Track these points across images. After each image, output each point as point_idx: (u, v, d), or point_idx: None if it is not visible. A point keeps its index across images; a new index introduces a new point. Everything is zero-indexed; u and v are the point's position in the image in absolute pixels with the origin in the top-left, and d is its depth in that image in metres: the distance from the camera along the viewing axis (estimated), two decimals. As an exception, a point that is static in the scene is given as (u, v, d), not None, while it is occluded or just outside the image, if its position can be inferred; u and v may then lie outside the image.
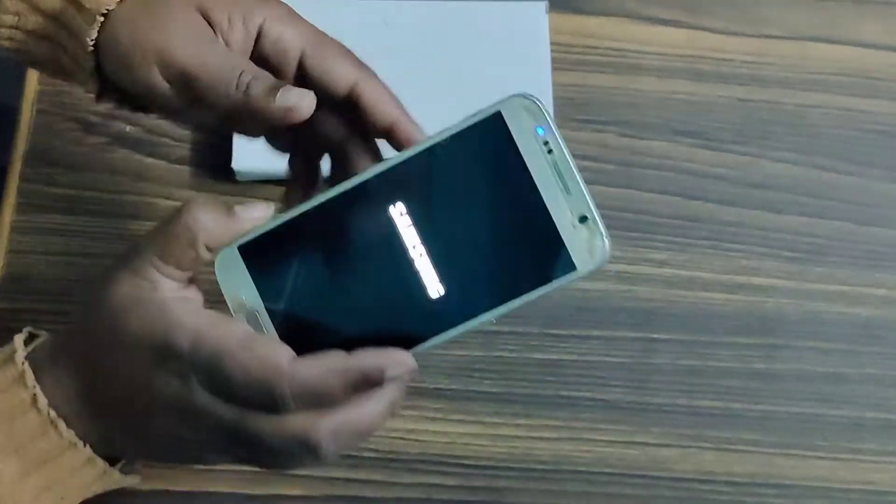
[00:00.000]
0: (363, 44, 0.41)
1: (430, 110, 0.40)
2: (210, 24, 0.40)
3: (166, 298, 0.36)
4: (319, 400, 0.34)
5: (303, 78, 0.40)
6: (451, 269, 0.36)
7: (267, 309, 0.37)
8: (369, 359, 0.35)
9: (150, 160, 0.56)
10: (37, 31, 0.43)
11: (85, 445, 0.37)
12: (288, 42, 0.39)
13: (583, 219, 0.35)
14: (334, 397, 0.35)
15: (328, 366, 0.34)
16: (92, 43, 0.40)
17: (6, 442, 0.37)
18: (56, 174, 0.56)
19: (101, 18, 0.40)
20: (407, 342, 0.36)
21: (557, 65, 0.58)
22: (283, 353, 0.35)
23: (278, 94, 0.37)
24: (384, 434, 0.52)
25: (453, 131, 0.36)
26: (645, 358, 0.54)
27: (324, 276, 0.37)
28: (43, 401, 0.37)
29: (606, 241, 0.35)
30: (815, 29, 0.60)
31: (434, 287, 0.36)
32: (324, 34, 0.40)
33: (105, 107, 0.56)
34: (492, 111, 0.35)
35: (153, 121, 0.56)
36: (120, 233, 0.55)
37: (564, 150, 0.35)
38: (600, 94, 0.58)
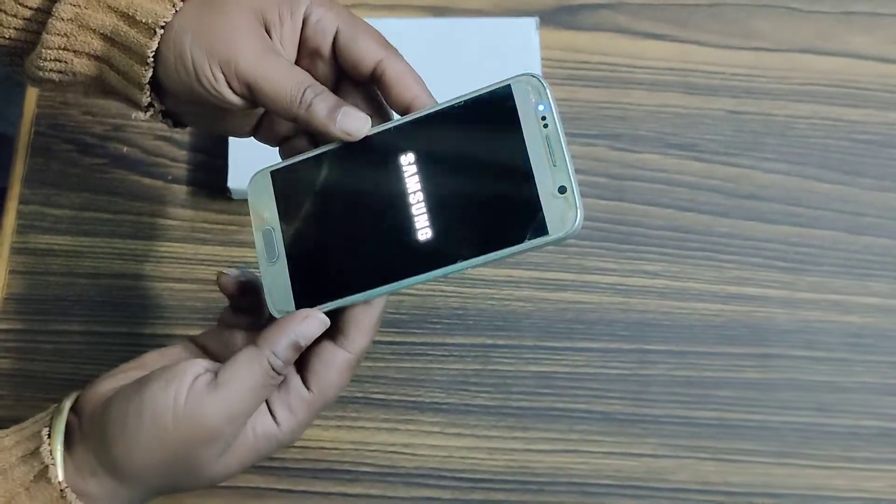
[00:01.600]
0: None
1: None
2: (265, 25, 0.42)
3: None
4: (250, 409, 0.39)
5: (337, 53, 0.42)
6: (441, 218, 0.40)
7: (282, 228, 0.42)
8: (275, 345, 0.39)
9: (146, 180, 0.57)
10: (86, 51, 0.43)
11: None
12: (326, 23, 0.42)
13: (562, 189, 0.38)
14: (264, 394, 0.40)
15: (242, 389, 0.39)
16: (151, 57, 0.41)
17: None
18: (54, 195, 0.56)
19: (161, 31, 0.41)
20: (391, 277, 0.41)
21: (549, 79, 0.58)
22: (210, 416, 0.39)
23: (339, 117, 0.40)
24: (381, 448, 0.53)
25: (467, 97, 0.40)
26: (640, 369, 0.55)
27: (334, 208, 0.42)
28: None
29: (580, 213, 0.38)
30: (803, 41, 0.60)
31: (423, 231, 0.40)
32: (356, 16, 0.43)
33: (102, 128, 0.57)
34: (504, 84, 0.39)
35: (150, 142, 0.57)
36: (118, 252, 0.56)
37: (559, 128, 0.39)
38: (592, 107, 0.59)
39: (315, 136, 0.42)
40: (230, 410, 0.38)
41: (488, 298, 0.56)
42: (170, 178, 0.57)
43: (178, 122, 0.46)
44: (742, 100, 0.59)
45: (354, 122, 0.40)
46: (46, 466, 0.38)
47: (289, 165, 0.43)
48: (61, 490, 0.38)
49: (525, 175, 0.39)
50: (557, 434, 0.53)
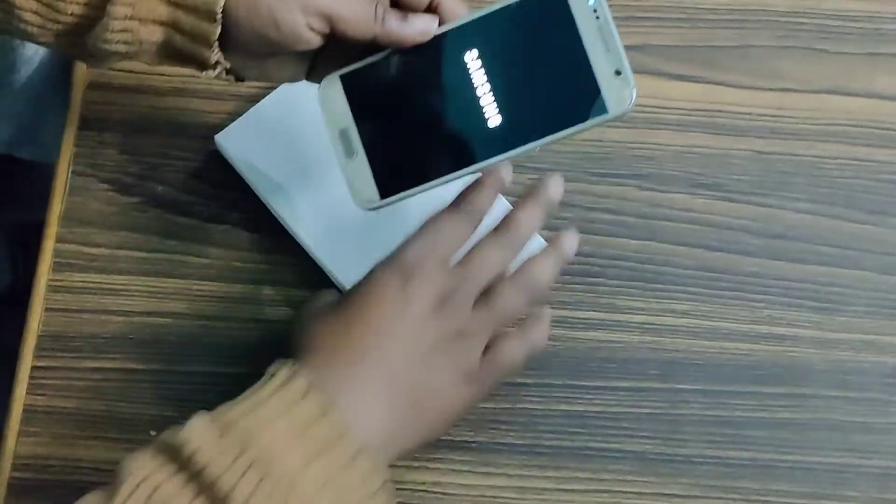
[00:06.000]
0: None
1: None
2: None
3: None
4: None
5: None
6: (509, 105, 0.45)
7: (357, 126, 0.47)
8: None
9: (181, 219, 0.57)
10: (151, 18, 0.44)
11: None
12: None
13: (617, 73, 0.44)
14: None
15: None
16: (220, 14, 0.43)
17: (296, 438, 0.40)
18: (91, 234, 0.57)
19: None
20: (466, 161, 0.46)
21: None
22: None
23: (408, 23, 0.45)
24: (410, 487, 0.53)
25: None
26: (672, 409, 0.55)
27: (406, 103, 0.47)
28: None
29: (634, 91, 0.44)
30: (829, 81, 0.61)
31: (493, 117, 0.45)
32: None
33: (139, 168, 0.58)
34: None
35: (184, 181, 0.58)
36: (153, 290, 0.56)
37: (609, 18, 0.44)
38: (620, 148, 0.59)
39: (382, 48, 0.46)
40: None
41: (519, 337, 0.56)
42: (204, 216, 0.58)
43: (238, 77, 0.48)
44: (769, 140, 0.60)
45: (422, 24, 0.45)
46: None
47: (357, 69, 0.47)
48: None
49: (582, 61, 0.44)
50: (590, 474, 0.53)
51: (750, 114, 0.60)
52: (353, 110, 0.47)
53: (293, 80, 0.50)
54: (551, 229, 0.56)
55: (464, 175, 0.46)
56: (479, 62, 0.45)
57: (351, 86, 0.47)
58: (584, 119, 0.44)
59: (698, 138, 0.60)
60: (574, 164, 0.58)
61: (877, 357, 0.56)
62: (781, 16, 0.61)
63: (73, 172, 0.58)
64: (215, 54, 0.45)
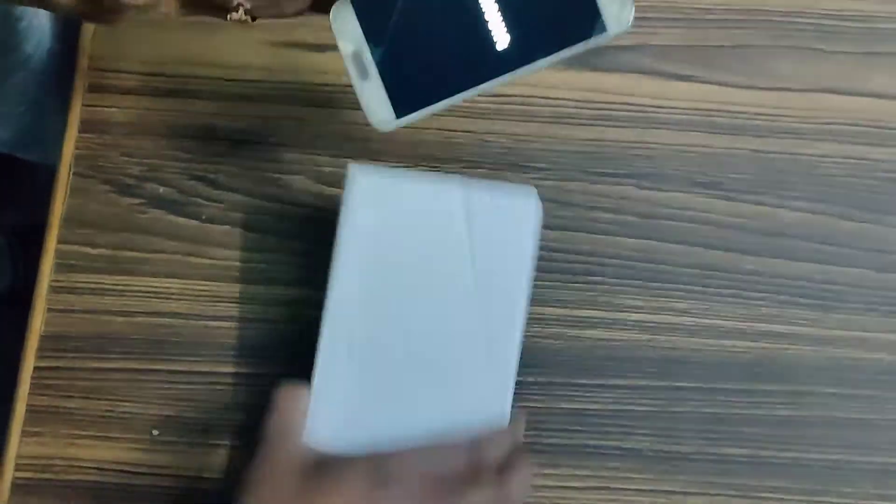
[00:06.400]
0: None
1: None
2: None
3: None
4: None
5: None
6: (514, 25, 0.47)
7: (370, 48, 0.48)
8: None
9: (182, 220, 0.58)
10: None
11: None
12: None
13: None
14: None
15: None
16: None
17: None
18: (92, 235, 0.57)
19: None
20: (476, 79, 0.48)
21: (576, 120, 0.59)
22: None
23: None
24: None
25: None
26: (670, 406, 0.55)
27: (416, 25, 0.48)
28: None
29: (632, 9, 0.46)
30: (826, 81, 0.61)
31: (500, 36, 0.47)
32: None
33: (140, 169, 0.58)
34: None
35: (186, 182, 0.58)
36: (155, 291, 0.57)
37: None
38: (618, 147, 0.60)
39: None
40: None
41: (518, 336, 0.56)
42: (204, 217, 0.58)
43: (252, 17, 0.48)
44: (766, 139, 0.60)
45: None
46: None
47: None
48: None
49: None
50: (589, 471, 0.53)
51: (747, 113, 0.60)
52: (364, 32, 0.48)
53: (298, 14, 0.49)
54: (552, 229, 0.56)
55: (474, 94, 0.48)
56: None
57: (362, 7, 0.48)
58: (586, 38, 0.47)
59: (696, 137, 0.60)
60: (572, 164, 0.59)
61: (873, 354, 0.56)
62: (778, 15, 0.61)
63: (74, 174, 0.58)
64: None
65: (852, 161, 0.60)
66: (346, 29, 0.48)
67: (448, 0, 0.48)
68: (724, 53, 0.61)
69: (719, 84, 0.61)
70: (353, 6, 0.48)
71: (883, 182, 0.59)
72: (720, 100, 0.60)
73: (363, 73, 0.48)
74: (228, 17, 0.46)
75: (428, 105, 0.48)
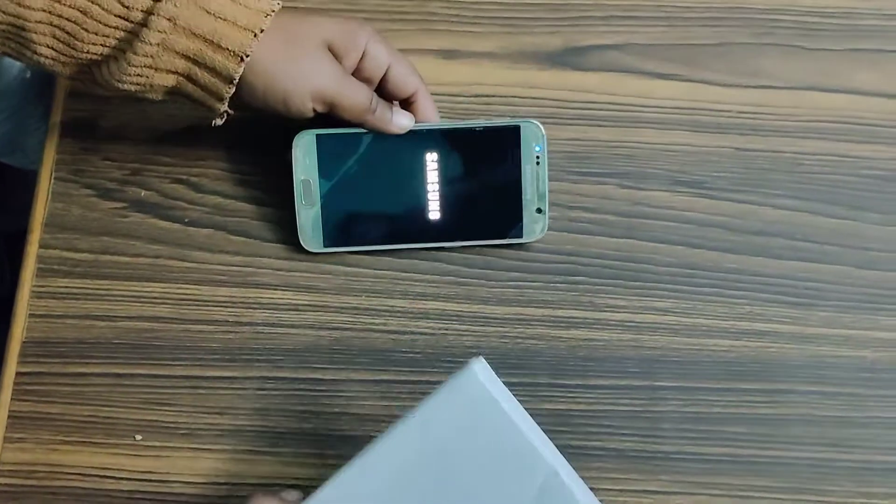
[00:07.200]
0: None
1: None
2: (334, 53, 0.51)
3: None
4: None
5: (384, 81, 0.53)
6: (448, 206, 0.55)
7: (319, 181, 0.55)
8: None
9: (164, 223, 0.58)
10: (167, 69, 0.48)
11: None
12: (381, 59, 0.52)
13: (539, 210, 0.56)
14: None
15: None
16: (236, 79, 0.48)
17: None
18: (74, 239, 0.57)
19: (247, 58, 0.48)
20: (400, 239, 0.55)
21: (559, 119, 0.59)
22: None
23: (394, 118, 0.53)
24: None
25: (486, 123, 0.55)
26: (652, 406, 0.55)
27: (365, 177, 0.55)
28: None
29: (546, 226, 0.56)
30: (809, 78, 0.61)
31: (433, 211, 0.55)
32: (401, 55, 0.53)
33: (121, 173, 0.58)
34: (515, 123, 0.55)
35: (167, 185, 0.58)
36: (137, 295, 0.57)
37: (545, 166, 0.56)
38: (601, 146, 0.59)
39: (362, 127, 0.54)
40: None
41: (501, 337, 0.56)
42: (187, 220, 0.58)
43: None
44: (749, 137, 0.60)
45: (404, 120, 0.54)
46: None
47: (333, 134, 0.54)
48: None
49: (516, 193, 0.55)
50: (571, 472, 0.53)
51: (730, 111, 0.60)
52: (319, 166, 0.54)
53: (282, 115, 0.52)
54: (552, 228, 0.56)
55: (394, 250, 0.55)
56: (436, 164, 0.55)
57: (323, 145, 0.54)
58: (502, 237, 0.56)
59: (679, 136, 0.60)
60: (555, 163, 0.58)
61: (855, 352, 0.56)
62: (759, 13, 0.61)
63: (55, 179, 0.58)
64: (224, 106, 0.50)
65: (835, 158, 0.60)
66: (303, 158, 0.54)
67: (399, 165, 0.54)
68: (706, 52, 0.61)
69: (702, 82, 0.61)
70: (317, 140, 0.54)
71: (865, 179, 0.59)
72: (702, 98, 0.60)
73: (308, 201, 0.55)
74: (213, 124, 0.51)
75: (353, 245, 0.55)
